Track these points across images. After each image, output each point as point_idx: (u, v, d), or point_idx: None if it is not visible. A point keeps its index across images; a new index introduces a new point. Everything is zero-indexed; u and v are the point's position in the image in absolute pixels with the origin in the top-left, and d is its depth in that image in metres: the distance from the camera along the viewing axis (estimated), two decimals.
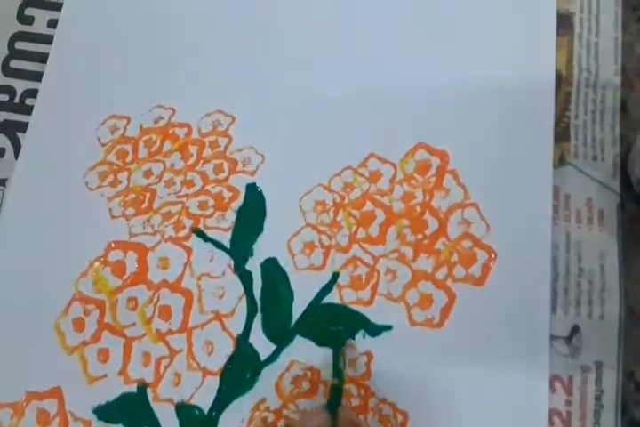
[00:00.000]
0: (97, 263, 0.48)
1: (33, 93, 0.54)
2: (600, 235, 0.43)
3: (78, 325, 0.46)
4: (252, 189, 0.47)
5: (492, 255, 0.43)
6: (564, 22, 0.48)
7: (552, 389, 0.40)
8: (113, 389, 0.44)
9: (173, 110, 0.52)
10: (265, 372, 0.43)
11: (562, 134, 0.46)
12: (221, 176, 0.48)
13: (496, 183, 0.45)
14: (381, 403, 0.41)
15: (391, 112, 0.49)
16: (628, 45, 0.48)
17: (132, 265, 0.47)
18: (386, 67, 0.50)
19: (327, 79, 0.51)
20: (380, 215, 0.45)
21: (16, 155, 0.52)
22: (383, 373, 0.42)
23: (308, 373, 0.42)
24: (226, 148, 0.50)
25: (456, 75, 0.49)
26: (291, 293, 0.44)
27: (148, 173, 0.49)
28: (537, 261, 0.43)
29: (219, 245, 0.45)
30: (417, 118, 0.48)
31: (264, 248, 0.46)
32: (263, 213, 0.47)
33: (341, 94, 0.50)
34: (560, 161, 0.45)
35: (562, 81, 0.48)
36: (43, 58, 0.54)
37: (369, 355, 0.42)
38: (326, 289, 0.44)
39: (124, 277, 0.47)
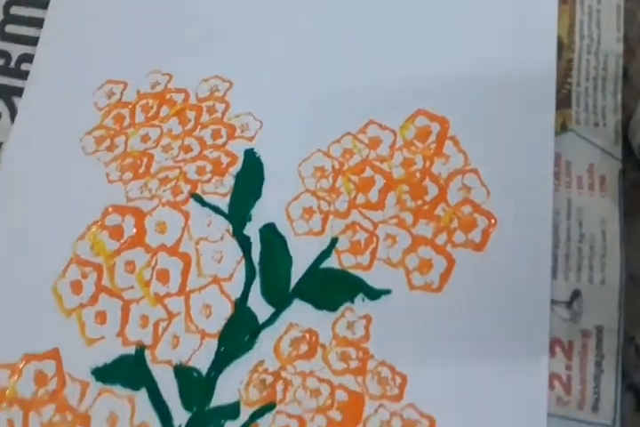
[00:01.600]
0: (94, 227, 0.47)
1: (29, 58, 0.53)
2: (601, 201, 0.42)
3: (76, 287, 0.46)
4: (250, 155, 0.46)
5: (493, 221, 0.42)
6: None
7: (552, 353, 0.40)
8: (111, 351, 0.44)
9: (170, 76, 0.51)
10: (263, 335, 0.42)
11: (563, 101, 0.45)
12: (219, 142, 0.48)
13: (497, 149, 0.44)
14: (380, 365, 0.40)
15: (390, 79, 0.48)
16: (630, 13, 0.47)
17: (129, 229, 0.47)
18: (387, 33, 0.49)
19: (327, 45, 0.50)
20: (380, 181, 0.44)
21: (12, 119, 0.52)
22: (382, 336, 0.42)
23: (307, 335, 0.41)
24: (223, 113, 0.49)
25: (457, 41, 0.48)
26: (289, 257, 0.43)
27: (145, 138, 0.49)
28: (537, 227, 0.42)
29: (217, 210, 0.45)
30: (417, 85, 0.47)
31: (262, 213, 0.45)
32: (261, 179, 0.46)
33: (341, 60, 0.49)
34: (562, 127, 0.44)
35: (563, 48, 0.47)
36: (38, 23, 0.54)
37: (367, 318, 0.41)
38: (325, 254, 0.43)
39: (122, 240, 0.46)
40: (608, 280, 0.41)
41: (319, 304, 0.43)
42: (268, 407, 0.41)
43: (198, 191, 0.46)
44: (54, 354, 0.45)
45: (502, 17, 0.48)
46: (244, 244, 0.45)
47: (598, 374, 0.39)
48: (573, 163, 0.44)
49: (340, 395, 0.41)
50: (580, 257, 0.42)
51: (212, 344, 0.43)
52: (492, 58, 0.47)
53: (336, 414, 0.40)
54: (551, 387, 0.39)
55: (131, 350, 0.44)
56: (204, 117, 0.49)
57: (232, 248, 0.45)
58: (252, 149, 0.46)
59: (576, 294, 0.41)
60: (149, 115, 0.50)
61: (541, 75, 0.46)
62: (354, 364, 0.41)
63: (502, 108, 0.46)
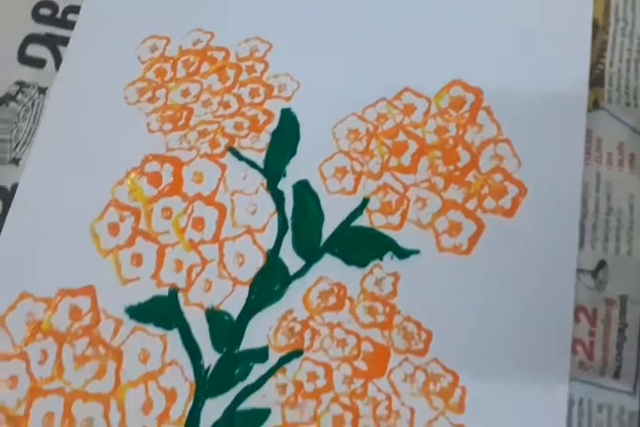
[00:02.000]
0: (133, 173, 0.47)
1: (75, 9, 0.53)
2: (630, 177, 0.43)
3: (113, 229, 0.46)
4: (286, 114, 0.46)
5: (523, 190, 0.42)
6: None
7: (576, 320, 0.40)
8: (145, 291, 0.44)
9: (212, 34, 0.51)
10: (293, 285, 0.42)
11: (596, 80, 0.45)
12: (257, 100, 0.48)
13: (530, 122, 0.45)
14: (406, 321, 0.41)
15: (427, 49, 0.48)
16: None
17: (167, 177, 0.47)
18: (427, 2, 0.48)
19: (368, 11, 0.50)
20: (413, 146, 0.45)
21: (57, 67, 0.52)
22: (409, 293, 0.42)
23: (335, 288, 0.41)
24: (262, 73, 0.49)
25: (495, 15, 0.48)
26: (321, 214, 0.44)
27: (185, 93, 0.49)
28: (566, 198, 0.42)
29: (252, 164, 0.45)
30: (453, 55, 0.48)
31: (296, 170, 0.46)
32: (297, 137, 0.46)
33: (380, 28, 0.49)
34: (594, 105, 0.44)
35: (598, 29, 0.47)
36: None
37: (396, 276, 0.42)
38: (356, 212, 0.44)
39: (160, 187, 0.47)
40: (634, 252, 0.42)
41: (349, 260, 0.43)
42: (296, 354, 0.41)
43: (235, 146, 0.46)
44: (89, 291, 0.45)
45: None
46: (278, 198, 0.45)
47: (621, 341, 0.40)
48: (604, 140, 0.44)
49: (366, 346, 0.41)
50: (607, 228, 0.42)
51: (244, 291, 0.43)
52: (528, 34, 0.48)
53: (361, 365, 0.40)
54: (574, 352, 0.39)
55: (164, 291, 0.44)
56: (244, 76, 0.49)
57: (266, 202, 0.45)
58: (289, 109, 0.46)
59: (602, 264, 0.41)
60: (190, 70, 0.50)
61: (576, 52, 0.46)
62: (380, 318, 0.41)
63: (536, 82, 0.46)
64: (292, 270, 0.43)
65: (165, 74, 0.50)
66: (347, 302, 0.42)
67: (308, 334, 0.42)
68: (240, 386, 0.42)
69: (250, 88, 0.49)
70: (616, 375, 0.39)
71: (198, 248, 0.45)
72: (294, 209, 0.44)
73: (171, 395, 0.42)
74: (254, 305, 0.42)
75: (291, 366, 0.41)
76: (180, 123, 0.48)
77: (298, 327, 0.41)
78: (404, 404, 0.40)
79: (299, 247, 0.43)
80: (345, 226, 0.43)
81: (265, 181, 0.45)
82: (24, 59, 0.52)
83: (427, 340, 0.41)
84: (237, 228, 0.45)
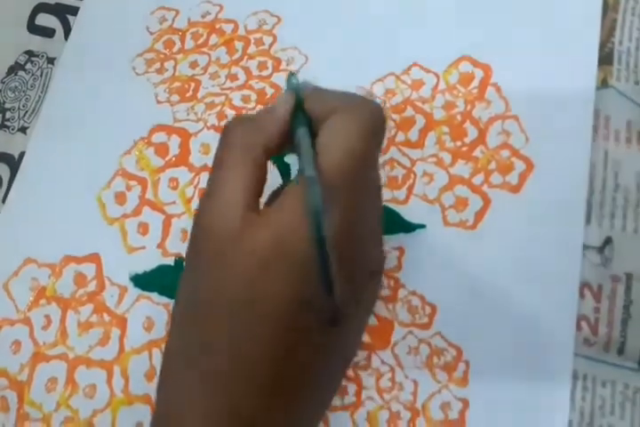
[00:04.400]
0: (141, 143, 0.47)
1: None
2: (638, 155, 0.42)
3: (120, 198, 0.46)
4: (294, 87, 0.44)
5: (530, 166, 0.41)
6: None
7: (581, 295, 0.38)
8: (151, 260, 0.44)
9: (221, 7, 0.50)
10: None
11: (605, 58, 0.44)
12: (265, 73, 0.47)
13: (538, 99, 0.44)
14: (410, 295, 0.40)
15: (436, 23, 0.47)
16: None
17: (174, 148, 0.46)
18: None
19: None
20: (420, 121, 0.44)
21: (66, 36, 0.51)
22: (414, 267, 0.41)
23: None
24: (270, 46, 0.48)
25: None
26: None
27: (193, 64, 0.48)
28: (574, 174, 0.41)
29: None
30: (462, 31, 0.46)
31: None
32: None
33: (388, 3, 0.48)
34: (602, 83, 0.43)
35: (608, 8, 0.45)
36: None
37: (401, 250, 0.41)
38: None
39: (167, 158, 0.46)
40: None
41: None
42: None
43: None
44: (94, 258, 0.44)
45: None
46: (284, 171, 0.44)
47: (626, 318, 0.39)
48: (612, 117, 0.43)
49: (371, 319, 0.40)
50: (614, 206, 0.41)
51: None
52: (537, 12, 0.46)
53: (365, 337, 0.39)
54: (579, 328, 0.38)
55: (170, 260, 0.43)
56: (252, 49, 0.48)
57: (272, 174, 0.42)
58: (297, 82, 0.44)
59: (608, 241, 0.40)
60: (199, 42, 0.49)
61: (585, 30, 0.45)
62: (385, 291, 0.40)
63: (545, 59, 0.45)
64: None
65: (174, 45, 0.49)
66: None
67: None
68: None
69: (258, 61, 0.48)
70: (620, 352, 0.38)
71: None
72: None
73: None
74: None
75: None
76: (188, 94, 0.47)
77: None
78: (408, 376, 0.39)
79: None
80: None
81: None
82: (33, 28, 0.51)
83: (431, 314, 0.40)
84: None
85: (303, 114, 0.32)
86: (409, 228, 0.41)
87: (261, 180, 0.31)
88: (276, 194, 0.32)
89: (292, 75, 0.34)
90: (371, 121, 0.30)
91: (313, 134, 0.30)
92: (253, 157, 0.30)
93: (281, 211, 0.28)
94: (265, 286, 0.27)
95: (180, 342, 0.29)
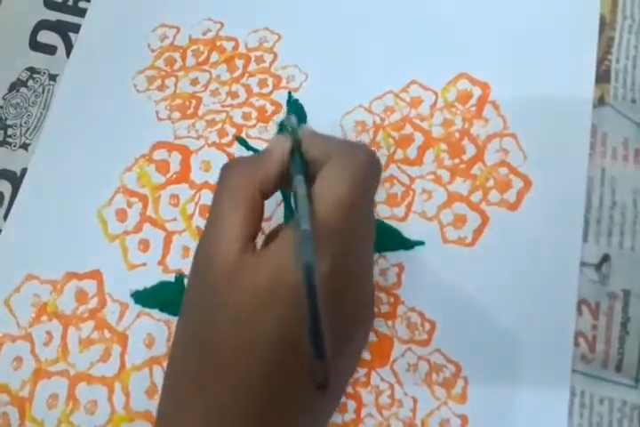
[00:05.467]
0: (142, 160, 0.47)
1: None
2: (635, 172, 0.42)
3: (121, 215, 0.46)
4: (293, 104, 0.45)
5: (528, 184, 0.42)
6: None
7: (579, 312, 0.39)
8: (151, 277, 0.44)
9: (222, 24, 0.51)
10: None
11: (602, 76, 0.45)
12: (265, 90, 0.47)
13: (536, 117, 0.44)
14: (410, 311, 0.40)
15: (435, 41, 0.48)
16: None
17: (175, 165, 0.47)
18: None
19: (375, 5, 0.49)
20: (419, 138, 0.44)
21: (67, 53, 0.51)
22: (413, 284, 0.41)
23: None
24: (271, 64, 0.49)
25: (502, 10, 0.48)
26: None
27: (194, 82, 0.49)
28: (571, 192, 0.42)
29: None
30: (461, 49, 0.47)
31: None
32: None
33: (387, 21, 0.49)
34: (599, 101, 0.44)
35: (606, 25, 0.46)
36: None
37: (400, 267, 0.41)
38: None
39: (168, 175, 0.46)
40: (638, 246, 0.41)
41: None
42: None
43: (243, 135, 0.45)
44: (96, 275, 0.45)
45: None
46: (285, 192, 0.44)
47: (623, 335, 0.39)
48: (609, 135, 0.43)
49: (370, 336, 0.40)
50: (611, 223, 0.41)
51: None
52: (535, 29, 0.47)
53: (365, 354, 0.39)
54: (576, 345, 0.39)
55: (171, 277, 0.44)
56: (252, 66, 0.49)
57: None
58: (297, 100, 0.45)
59: (605, 258, 0.40)
60: (200, 60, 0.50)
61: (582, 48, 0.46)
62: (384, 308, 0.40)
63: (543, 77, 0.45)
64: None
65: (175, 63, 0.50)
66: None
67: None
68: None
69: (258, 78, 0.48)
70: (618, 368, 0.38)
71: None
72: None
73: None
74: None
75: None
76: (189, 111, 0.48)
77: None
78: (407, 393, 0.39)
79: None
80: None
81: None
82: (35, 45, 0.52)
83: (430, 330, 0.40)
84: None
85: (300, 158, 0.33)
86: (408, 245, 0.41)
87: (257, 221, 0.31)
88: (275, 233, 0.32)
89: (288, 117, 0.35)
90: (363, 168, 0.31)
91: (310, 177, 0.31)
92: (249, 201, 0.31)
93: (274, 251, 0.29)
94: (255, 327, 0.28)
95: (179, 366, 0.31)
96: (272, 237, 0.31)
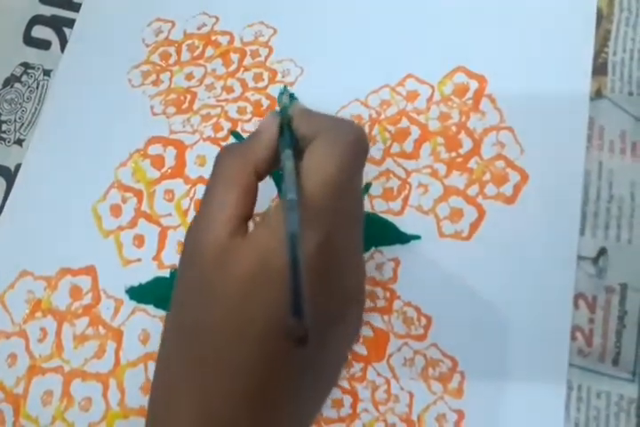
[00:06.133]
0: (137, 155, 0.47)
1: None
2: (632, 166, 0.42)
3: (116, 210, 0.46)
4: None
5: (525, 177, 0.41)
6: None
7: (576, 306, 0.39)
8: (146, 272, 0.44)
9: (217, 18, 0.50)
10: None
11: (599, 68, 0.44)
12: (261, 85, 0.47)
13: (532, 110, 0.44)
14: (406, 306, 0.40)
15: (431, 35, 0.47)
16: None
17: (170, 160, 0.47)
18: None
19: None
20: (416, 132, 0.44)
21: (62, 48, 0.51)
22: (409, 278, 0.41)
23: None
24: (266, 58, 0.49)
25: (499, 3, 0.47)
26: None
27: (189, 76, 0.49)
28: (568, 185, 0.42)
29: None
30: (457, 42, 0.47)
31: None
32: None
33: (383, 14, 0.48)
34: (596, 94, 0.43)
35: (603, 18, 0.46)
36: None
37: (396, 261, 0.41)
38: None
39: (163, 170, 0.46)
40: (635, 240, 0.40)
41: None
42: None
43: (238, 130, 0.45)
44: (90, 271, 0.44)
45: None
46: (279, 182, 0.44)
47: (620, 329, 0.39)
48: (606, 128, 0.43)
49: (366, 331, 0.40)
50: (608, 216, 0.41)
51: None
52: (532, 21, 0.47)
53: (361, 349, 0.39)
54: (573, 338, 0.39)
55: (166, 273, 0.44)
56: (248, 60, 0.49)
57: (267, 186, 0.43)
58: (292, 94, 0.45)
59: (602, 251, 0.40)
60: (195, 54, 0.49)
61: (579, 41, 0.45)
62: (380, 303, 0.40)
63: (539, 70, 0.45)
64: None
65: (170, 57, 0.50)
66: None
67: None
68: None
69: (253, 73, 0.48)
70: (615, 362, 0.38)
71: None
72: None
73: None
74: None
75: None
76: (184, 106, 0.48)
77: None
78: (403, 388, 0.39)
79: None
80: None
81: None
82: (29, 40, 0.51)
83: (426, 325, 0.40)
84: None
85: (290, 134, 0.33)
86: (404, 239, 0.41)
87: (250, 202, 0.31)
88: (266, 215, 0.31)
89: (282, 93, 0.33)
90: (351, 145, 0.31)
91: (299, 153, 0.31)
92: (242, 181, 0.31)
93: (262, 234, 0.29)
94: (245, 312, 0.28)
95: (171, 353, 0.30)
96: (263, 219, 0.30)
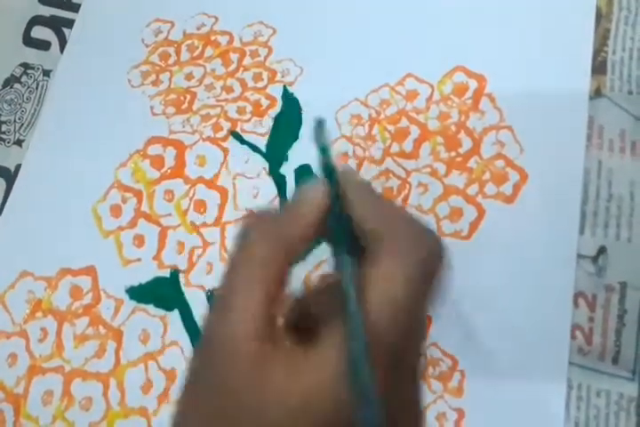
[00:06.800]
0: (136, 155, 0.47)
1: None
2: (632, 164, 0.42)
3: (115, 210, 0.46)
4: (289, 99, 0.45)
5: (524, 176, 0.41)
6: None
7: (576, 305, 0.39)
8: (146, 272, 0.44)
9: (216, 18, 0.50)
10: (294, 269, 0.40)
11: (599, 67, 0.44)
12: (260, 84, 0.47)
13: (532, 109, 0.44)
14: None
15: (430, 34, 0.47)
16: None
17: (170, 160, 0.47)
18: None
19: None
20: (415, 132, 0.44)
21: (61, 49, 0.51)
22: None
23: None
24: (266, 58, 0.49)
25: (498, 2, 0.47)
26: None
27: (189, 76, 0.49)
28: (567, 184, 0.41)
29: (255, 148, 0.44)
30: (456, 42, 0.47)
31: (299, 155, 0.45)
32: (299, 122, 0.46)
33: (383, 14, 0.48)
34: (596, 93, 0.43)
35: (602, 17, 0.46)
36: None
37: None
38: None
39: (162, 170, 0.46)
40: (634, 238, 0.40)
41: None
42: None
43: (238, 130, 0.45)
44: (90, 271, 0.44)
45: None
46: (280, 182, 0.44)
47: (620, 327, 0.39)
48: (605, 127, 0.43)
49: None
50: (607, 215, 0.41)
51: None
52: (531, 22, 0.47)
53: None
54: (573, 337, 0.38)
55: (166, 273, 0.44)
56: (247, 60, 0.49)
57: (268, 186, 0.44)
58: (292, 94, 0.45)
59: (602, 250, 0.40)
60: (194, 54, 0.49)
61: (579, 40, 0.45)
62: None
63: (539, 69, 0.45)
64: None
65: (169, 57, 0.50)
66: None
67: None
68: None
69: (253, 72, 0.48)
70: (615, 361, 0.38)
71: (200, 231, 0.44)
72: None
73: (171, 375, 0.42)
74: None
75: None
76: (184, 106, 0.48)
77: None
78: None
79: None
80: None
81: (267, 166, 0.45)
82: (29, 41, 0.51)
83: (427, 325, 0.39)
84: (239, 211, 0.44)
85: (346, 223, 0.26)
86: None
87: (280, 296, 0.25)
88: (303, 307, 0.28)
89: (317, 126, 0.28)
90: (424, 264, 0.25)
91: (354, 244, 0.26)
92: (271, 275, 0.25)
93: (313, 367, 0.23)
94: None
95: None
96: (304, 318, 0.26)
